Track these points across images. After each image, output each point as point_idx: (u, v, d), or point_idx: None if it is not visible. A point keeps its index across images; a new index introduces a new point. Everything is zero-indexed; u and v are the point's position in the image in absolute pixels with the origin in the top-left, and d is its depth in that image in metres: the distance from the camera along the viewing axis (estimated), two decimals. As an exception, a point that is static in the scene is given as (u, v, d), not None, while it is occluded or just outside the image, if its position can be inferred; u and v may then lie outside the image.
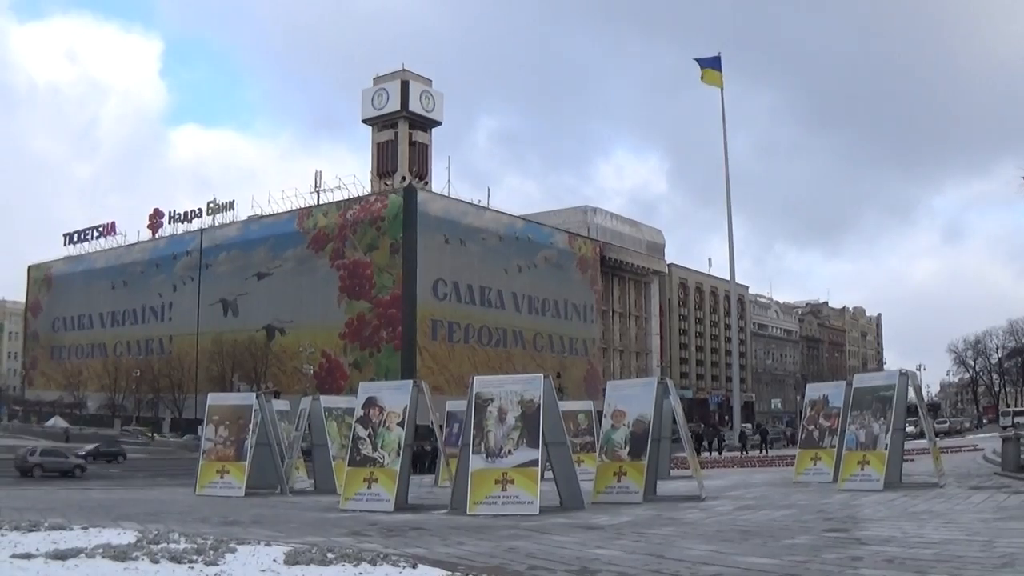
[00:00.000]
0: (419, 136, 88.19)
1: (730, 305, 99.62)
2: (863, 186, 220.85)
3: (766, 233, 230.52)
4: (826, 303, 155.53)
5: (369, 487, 16.37)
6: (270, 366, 77.30)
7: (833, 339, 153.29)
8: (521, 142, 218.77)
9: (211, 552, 8.06)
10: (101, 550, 7.98)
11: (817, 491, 18.02)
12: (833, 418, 21.24)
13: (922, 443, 27.46)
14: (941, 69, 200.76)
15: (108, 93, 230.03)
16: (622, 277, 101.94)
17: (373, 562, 7.89)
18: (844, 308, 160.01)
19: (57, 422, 77.55)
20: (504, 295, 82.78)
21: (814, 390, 23.58)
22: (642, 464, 16.90)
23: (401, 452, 16.43)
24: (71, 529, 10.05)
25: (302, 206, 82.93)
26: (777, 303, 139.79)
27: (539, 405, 15.23)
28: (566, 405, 25.34)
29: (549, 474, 16.51)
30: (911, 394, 19.43)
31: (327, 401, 24.33)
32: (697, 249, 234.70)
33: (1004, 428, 53.04)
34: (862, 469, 17.89)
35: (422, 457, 33.48)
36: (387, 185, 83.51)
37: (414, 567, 7.80)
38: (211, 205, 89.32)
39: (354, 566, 7.72)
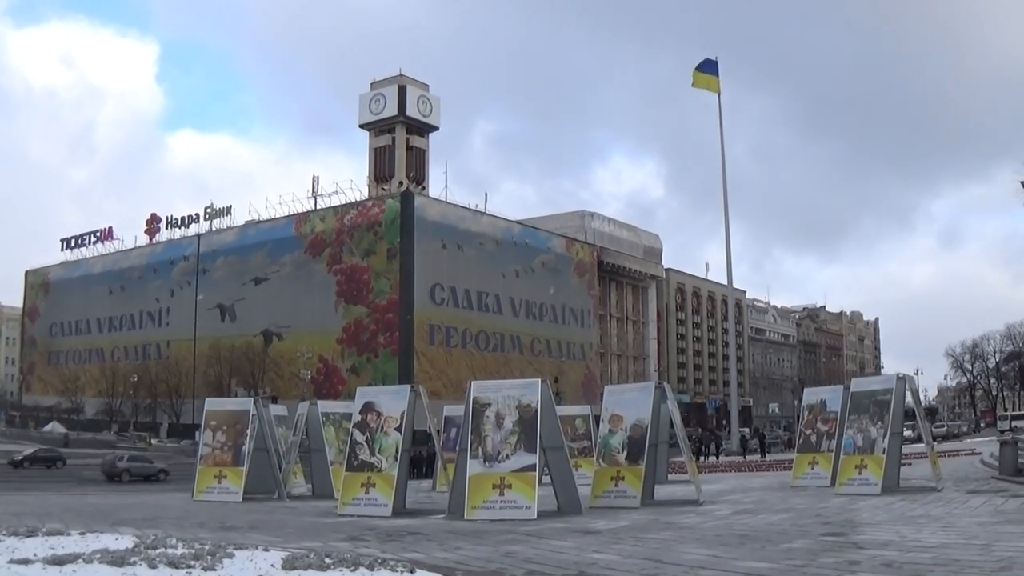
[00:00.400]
0: (416, 141, 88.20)
1: (727, 309, 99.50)
2: (861, 190, 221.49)
3: (764, 238, 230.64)
4: (823, 307, 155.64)
5: (367, 492, 16.37)
6: (268, 371, 77.19)
7: (831, 343, 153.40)
8: (518, 147, 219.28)
9: (209, 557, 8.05)
10: (99, 555, 7.97)
11: (815, 495, 18.03)
12: (831, 422, 21.23)
13: (920, 447, 27.43)
14: (939, 74, 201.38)
15: (104, 97, 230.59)
16: (620, 282, 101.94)
17: (371, 567, 7.89)
18: (842, 312, 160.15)
19: (55, 427, 77.51)
20: (501, 300, 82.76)
21: (812, 394, 23.54)
22: (640, 469, 16.90)
23: (399, 457, 16.43)
24: (69, 534, 10.03)
25: (299, 211, 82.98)
26: (775, 307, 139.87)
27: (537, 410, 15.24)
28: (564, 410, 25.39)
29: (547, 479, 16.52)
30: (908, 398, 19.44)
31: (325, 406, 24.29)
32: (694, 254, 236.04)
33: (1002, 432, 52.96)
34: (860, 473, 17.89)
35: (419, 462, 33.44)
36: (384, 190, 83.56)
37: (412, 572, 7.81)
38: (208, 210, 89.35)
39: (352, 571, 7.71)
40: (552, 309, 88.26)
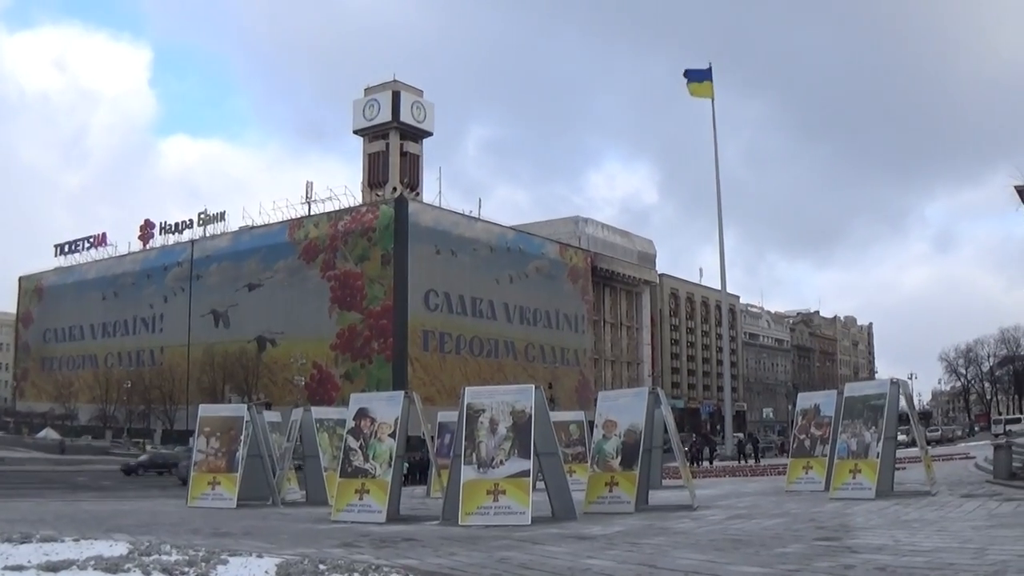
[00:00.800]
0: (410, 147, 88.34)
1: (721, 315, 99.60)
2: (854, 195, 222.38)
3: (757, 243, 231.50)
4: (817, 312, 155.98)
5: (361, 498, 16.32)
6: (261, 377, 77.11)
7: (824, 348, 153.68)
8: (512, 153, 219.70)
9: (203, 564, 8.04)
10: (93, 562, 7.95)
11: (809, 500, 18.04)
12: (824, 427, 21.23)
13: (914, 451, 27.53)
14: (932, 79, 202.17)
15: (98, 102, 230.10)
16: (613, 287, 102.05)
17: (365, 573, 7.89)
18: (835, 317, 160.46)
19: (48, 433, 77.13)
20: (495, 305, 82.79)
21: (805, 399, 23.52)
22: (634, 474, 16.89)
23: (393, 463, 16.40)
24: (63, 541, 9.98)
25: (293, 217, 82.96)
26: (768, 312, 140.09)
27: (531, 415, 15.23)
28: (558, 415, 25.35)
29: (541, 484, 16.50)
30: (902, 403, 19.48)
31: (318, 412, 24.23)
32: (688, 259, 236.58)
33: (996, 436, 52.99)
34: (854, 478, 17.91)
35: (414, 468, 33.39)
36: (378, 196, 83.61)
37: (406, 578, 7.80)
38: (202, 216, 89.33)
39: (346, 577, 7.71)
40: (546, 315, 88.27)
